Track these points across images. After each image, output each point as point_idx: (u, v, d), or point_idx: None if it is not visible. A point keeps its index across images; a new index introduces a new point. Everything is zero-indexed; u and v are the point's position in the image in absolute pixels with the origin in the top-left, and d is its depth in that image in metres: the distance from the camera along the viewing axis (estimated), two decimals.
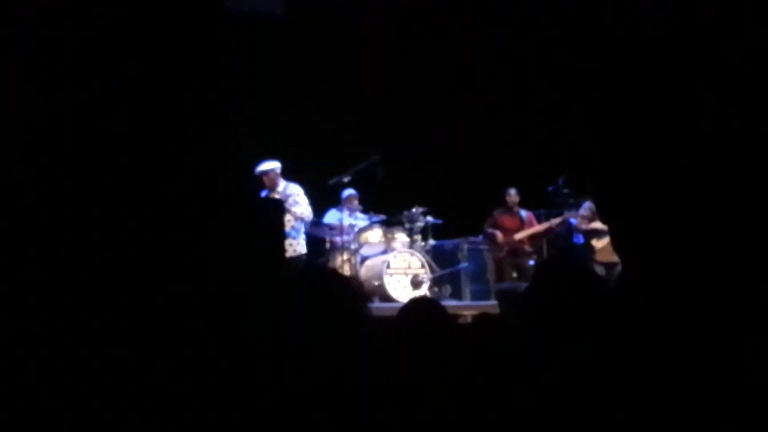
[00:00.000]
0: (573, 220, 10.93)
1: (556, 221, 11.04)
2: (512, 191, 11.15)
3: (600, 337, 2.07)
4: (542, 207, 11.44)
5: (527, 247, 11.13)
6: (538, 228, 11.14)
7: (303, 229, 9.95)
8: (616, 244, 2.13)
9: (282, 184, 9.97)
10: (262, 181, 9.87)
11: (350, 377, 2.08)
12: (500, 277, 11.06)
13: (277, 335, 2.17)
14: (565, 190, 11.12)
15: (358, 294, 2.22)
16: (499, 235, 11.13)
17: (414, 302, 3.57)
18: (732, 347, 1.88)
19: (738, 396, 1.85)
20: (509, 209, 11.21)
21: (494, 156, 12.24)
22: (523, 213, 11.21)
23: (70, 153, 4.09)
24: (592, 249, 10.35)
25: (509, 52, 12.15)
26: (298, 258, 9.73)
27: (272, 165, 9.91)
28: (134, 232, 3.91)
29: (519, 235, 11.07)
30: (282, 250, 6.60)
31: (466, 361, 2.89)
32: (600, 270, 10.27)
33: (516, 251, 11.05)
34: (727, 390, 1.85)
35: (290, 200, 9.60)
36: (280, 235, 6.67)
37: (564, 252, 11.04)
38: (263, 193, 9.79)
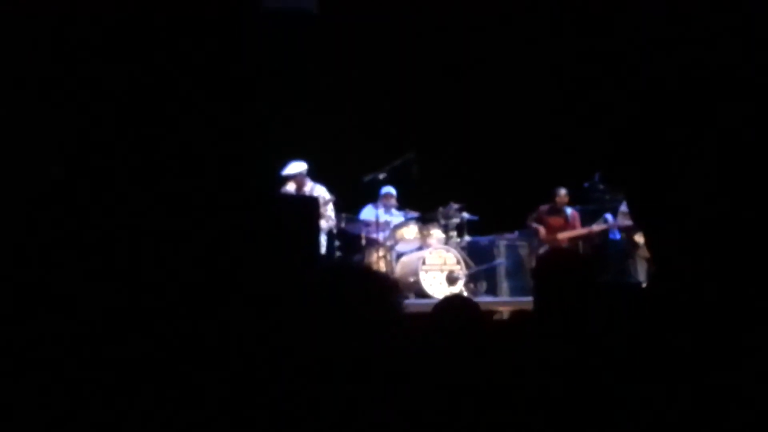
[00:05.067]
0: (609, 217, 10.88)
1: (597, 227, 11.00)
2: (562, 191, 11.13)
3: (629, 338, 2.07)
4: (578, 203, 11.41)
5: (566, 246, 11.09)
6: (580, 231, 11.10)
7: (324, 231, 9.95)
8: (649, 247, 2.13)
9: (309, 185, 10.00)
10: (289, 183, 9.88)
11: (385, 373, 2.10)
12: None
13: (311, 333, 2.19)
14: (601, 186, 11.08)
15: (393, 290, 2.23)
16: (542, 231, 11.12)
17: (448, 300, 3.58)
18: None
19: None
20: (556, 208, 11.18)
21: (530, 152, 12.21)
22: (569, 211, 11.18)
23: (101, 156, 4.14)
24: (635, 245, 10.31)
25: (546, 48, 12.10)
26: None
27: (300, 167, 9.93)
28: (167, 235, 3.95)
29: (562, 235, 11.05)
30: (318, 247, 6.65)
31: (502, 357, 2.90)
32: (642, 265, 10.24)
33: (557, 250, 10.99)
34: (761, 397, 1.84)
35: (320, 200, 9.61)
36: (316, 233, 6.71)
37: (598, 249, 11.00)
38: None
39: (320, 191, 9.99)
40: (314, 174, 10.24)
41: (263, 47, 5.23)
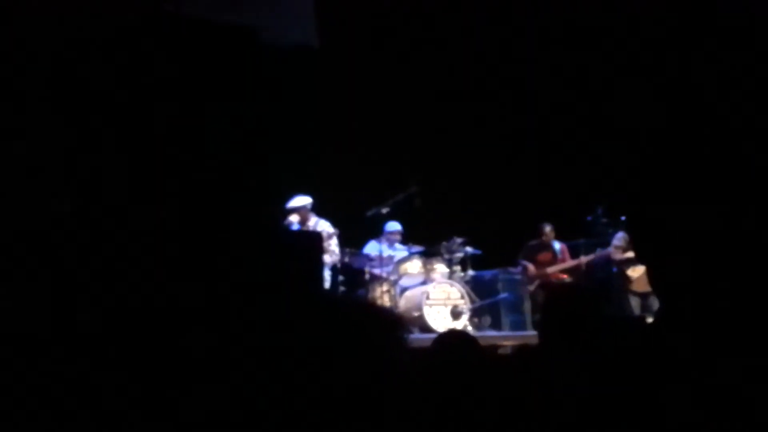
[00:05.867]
0: (607, 250, 10.86)
1: (586, 258, 10.99)
2: (547, 228, 11.12)
3: (635, 372, 2.06)
4: (581, 237, 11.40)
5: (565, 279, 11.08)
6: (568, 264, 11.09)
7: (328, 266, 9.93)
8: (654, 284, 2.12)
9: (313, 220, 10.00)
10: (292, 216, 9.88)
11: (389, 407, 2.09)
12: (535, 308, 11.03)
13: (315, 366, 2.19)
14: (604, 220, 11.07)
15: (396, 325, 2.23)
16: (531, 267, 11.11)
17: (446, 336, 3.57)
18: None
19: None
20: (543, 244, 11.17)
21: (533, 186, 12.23)
22: (557, 246, 11.17)
23: (114, 191, 4.16)
24: (627, 279, 10.28)
25: (552, 82, 12.16)
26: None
27: (304, 201, 9.94)
28: (177, 266, 3.96)
29: (551, 270, 11.04)
30: (322, 282, 6.63)
31: (505, 392, 2.89)
32: (635, 300, 10.22)
33: (548, 284, 10.99)
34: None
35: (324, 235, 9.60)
36: (320, 267, 6.70)
37: (600, 284, 10.97)
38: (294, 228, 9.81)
39: (324, 225, 10.00)
40: (318, 209, 10.24)
41: (264, 84, 5.27)
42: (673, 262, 2.02)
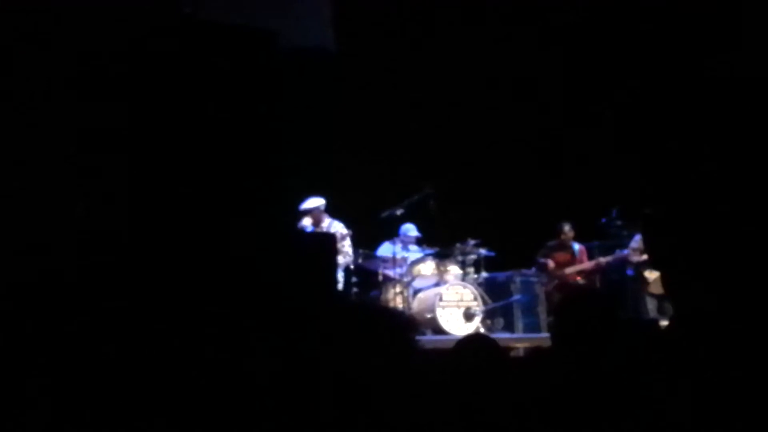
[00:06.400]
0: (619, 251, 10.87)
1: (604, 259, 11.00)
2: (566, 227, 11.12)
3: (646, 375, 2.07)
4: (595, 239, 11.40)
5: (579, 281, 11.09)
6: (586, 265, 11.10)
7: (341, 267, 9.95)
8: (668, 291, 2.13)
9: (326, 221, 10.02)
10: (305, 218, 9.90)
11: (400, 409, 2.11)
12: (551, 309, 11.02)
13: (328, 367, 2.21)
14: (619, 222, 11.08)
15: (407, 327, 2.25)
16: (550, 263, 11.12)
17: (468, 339, 3.59)
18: None
19: None
20: (562, 243, 11.18)
21: (547, 187, 12.22)
22: (576, 247, 11.18)
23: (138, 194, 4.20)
24: (644, 281, 10.28)
25: (564, 84, 12.15)
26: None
27: (317, 202, 9.97)
28: (189, 269, 3.99)
29: (569, 270, 11.05)
30: (335, 283, 6.66)
31: (519, 395, 2.90)
32: (652, 302, 10.21)
33: (565, 285, 11.00)
34: None
35: (337, 236, 9.62)
36: (333, 269, 6.71)
37: (613, 286, 10.97)
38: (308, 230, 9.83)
39: (337, 227, 10.03)
40: (332, 210, 10.27)
41: (282, 88, 5.30)
42: (687, 268, 2.03)
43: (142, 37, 4.46)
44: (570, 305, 3.20)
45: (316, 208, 9.95)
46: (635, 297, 10.51)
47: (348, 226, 10.23)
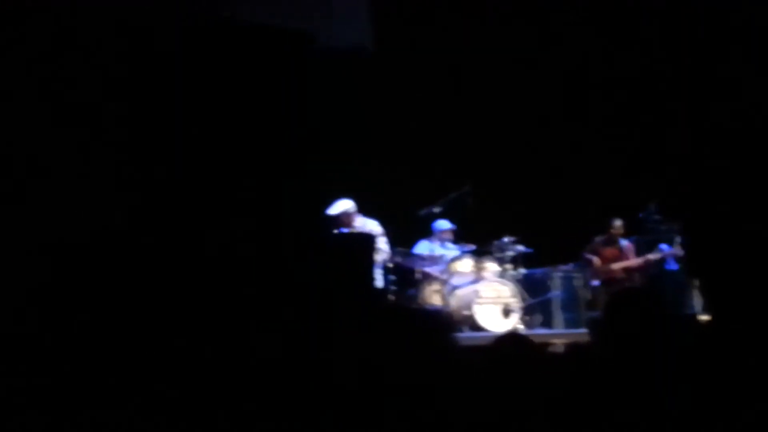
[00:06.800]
0: (665, 247, 10.81)
1: (653, 256, 10.93)
2: (617, 222, 11.04)
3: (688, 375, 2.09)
4: (633, 234, 11.34)
5: (621, 276, 11.04)
6: (634, 261, 11.03)
7: (380, 265, 9.91)
8: (705, 295, 2.15)
9: (360, 221, 9.93)
10: (337, 223, 9.80)
11: (438, 406, 2.14)
12: (594, 305, 11.00)
13: (365, 366, 2.24)
14: (656, 217, 11.02)
15: (444, 325, 2.28)
16: (596, 260, 11.07)
17: (504, 338, 3.61)
18: None
19: None
20: (611, 239, 11.12)
21: (585, 183, 12.18)
22: (624, 243, 11.11)
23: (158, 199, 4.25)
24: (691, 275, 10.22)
25: (602, 79, 12.09)
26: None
27: (345, 206, 9.81)
28: (227, 274, 4.04)
29: (616, 266, 10.99)
30: (372, 282, 6.66)
31: (557, 391, 2.92)
32: (699, 296, 10.13)
33: (611, 281, 10.96)
34: None
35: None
36: (371, 268, 6.72)
37: (654, 281, 10.91)
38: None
39: (372, 225, 9.98)
40: (367, 209, 10.23)
41: (319, 87, 5.33)
42: (725, 275, 2.05)
43: (182, 40, 4.52)
44: (619, 306, 3.20)
45: (343, 212, 9.82)
46: (680, 291, 10.45)
47: (384, 225, 10.20)
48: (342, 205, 9.82)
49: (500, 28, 11.91)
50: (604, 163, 12.20)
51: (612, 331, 3.14)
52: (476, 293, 10.32)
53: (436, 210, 10.77)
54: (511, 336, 3.79)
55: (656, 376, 2.57)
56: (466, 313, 10.25)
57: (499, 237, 10.99)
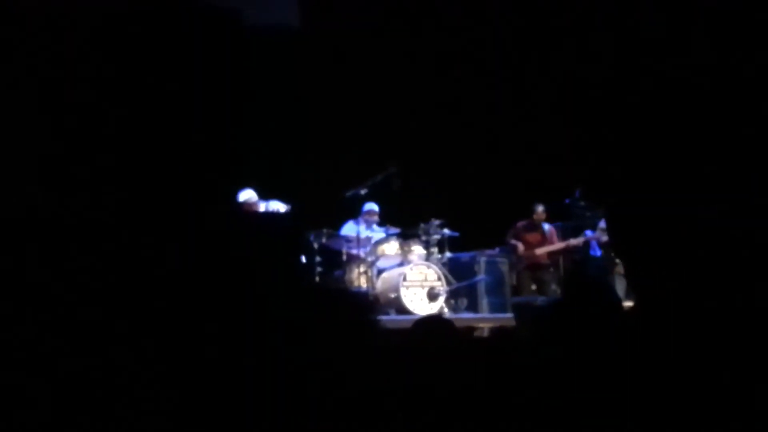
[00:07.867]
0: (589, 232, 10.95)
1: (575, 241, 11.07)
2: (540, 208, 11.15)
3: (618, 358, 2.06)
4: (558, 219, 11.46)
5: (545, 261, 11.16)
6: (557, 246, 11.16)
7: None
8: (629, 280, 2.12)
9: (262, 206, 9.82)
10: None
11: (361, 388, 2.09)
12: (519, 289, 11.10)
13: (289, 347, 2.18)
14: (582, 203, 11.15)
15: (368, 308, 2.23)
16: (520, 247, 11.16)
17: (424, 321, 3.57)
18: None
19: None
20: (533, 224, 11.21)
21: (511, 168, 12.25)
22: (546, 227, 11.22)
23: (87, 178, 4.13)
24: (613, 262, 10.34)
25: (529, 64, 12.16)
26: None
27: (246, 195, 9.74)
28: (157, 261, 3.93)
29: (539, 251, 11.10)
30: (299, 263, 6.59)
31: (480, 375, 2.89)
32: (621, 283, 10.27)
33: (535, 265, 11.09)
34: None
35: None
36: (298, 247, 6.64)
37: (581, 266, 11.05)
38: None
39: (275, 206, 9.87)
40: (294, 190, 10.12)
41: (246, 65, 5.24)
42: (650, 259, 2.02)
43: (111, 19, 4.39)
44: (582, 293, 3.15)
45: (246, 201, 9.67)
46: (603, 277, 10.56)
47: (285, 203, 10.01)
48: (243, 195, 9.70)
49: (426, 7, 11.89)
50: (531, 148, 12.27)
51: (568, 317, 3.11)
52: (402, 276, 10.32)
53: (362, 191, 10.71)
54: (431, 319, 3.75)
55: (583, 361, 2.54)
56: (392, 295, 10.25)
57: (426, 220, 10.98)
